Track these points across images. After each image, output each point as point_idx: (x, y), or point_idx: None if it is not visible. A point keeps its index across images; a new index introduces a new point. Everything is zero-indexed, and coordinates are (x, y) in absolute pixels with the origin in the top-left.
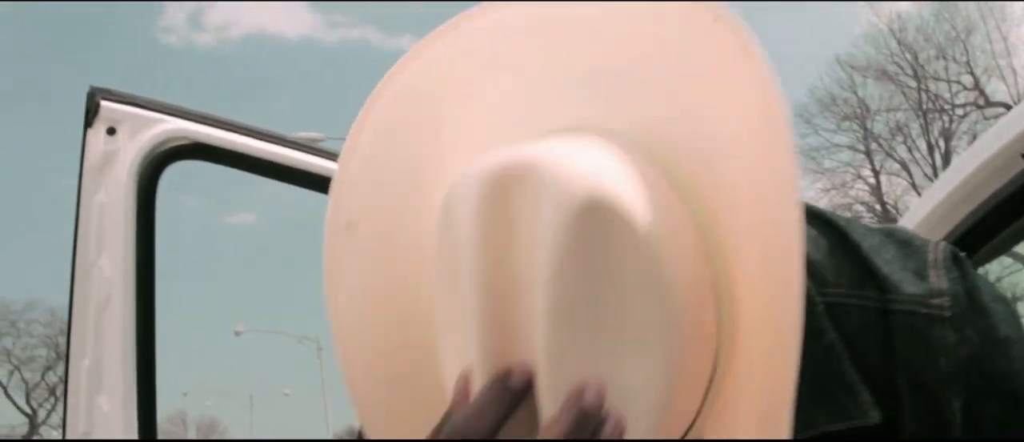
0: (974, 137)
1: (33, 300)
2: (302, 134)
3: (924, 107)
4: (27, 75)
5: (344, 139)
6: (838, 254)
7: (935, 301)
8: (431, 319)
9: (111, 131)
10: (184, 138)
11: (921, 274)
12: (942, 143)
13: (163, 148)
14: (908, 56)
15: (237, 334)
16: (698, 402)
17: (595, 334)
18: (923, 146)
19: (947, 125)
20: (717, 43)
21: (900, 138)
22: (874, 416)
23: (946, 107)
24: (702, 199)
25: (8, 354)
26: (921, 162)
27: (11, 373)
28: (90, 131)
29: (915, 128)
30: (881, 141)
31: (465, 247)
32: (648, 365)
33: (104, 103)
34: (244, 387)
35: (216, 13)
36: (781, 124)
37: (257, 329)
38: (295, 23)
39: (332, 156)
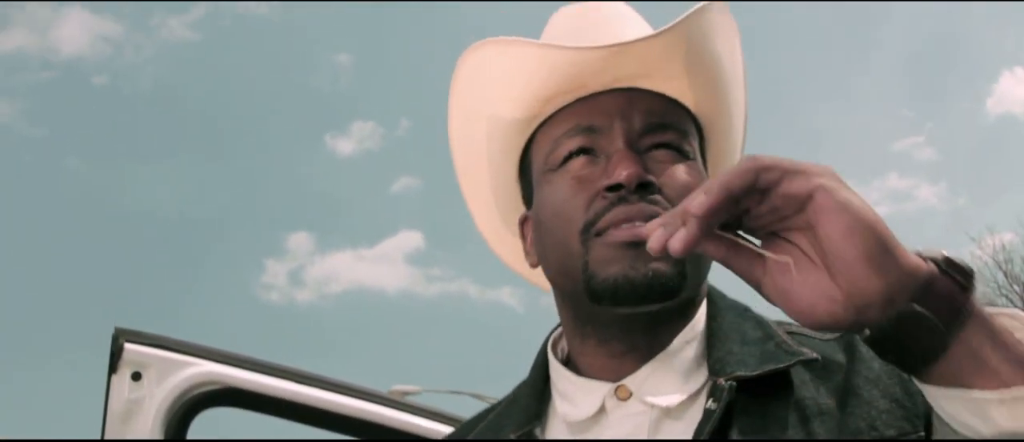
0: None
1: None
2: (399, 387)
3: None
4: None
5: (443, 391)
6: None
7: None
8: None
9: (136, 376)
10: (215, 382)
11: None
12: None
13: (193, 394)
14: (1017, 288)
15: None
16: None
17: None
18: None
19: None
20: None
21: None
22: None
23: None
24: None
25: None
26: None
27: None
28: (114, 377)
29: None
30: None
31: None
32: None
33: (128, 346)
34: None
35: (316, 269)
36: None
37: None
38: (394, 277)
39: (376, 400)
